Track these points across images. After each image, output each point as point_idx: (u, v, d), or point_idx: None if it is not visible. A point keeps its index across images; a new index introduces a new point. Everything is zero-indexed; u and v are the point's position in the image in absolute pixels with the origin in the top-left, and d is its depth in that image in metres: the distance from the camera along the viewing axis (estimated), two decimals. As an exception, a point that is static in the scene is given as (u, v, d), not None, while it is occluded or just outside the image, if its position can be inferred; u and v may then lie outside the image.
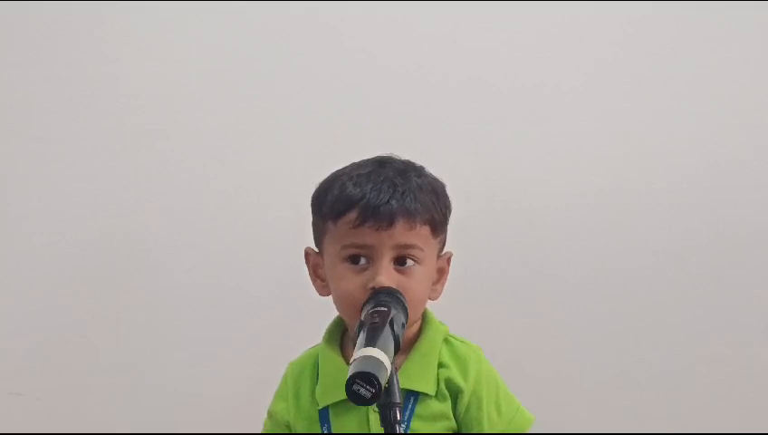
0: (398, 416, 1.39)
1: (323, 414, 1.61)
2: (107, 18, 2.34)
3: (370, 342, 1.37)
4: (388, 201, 1.55)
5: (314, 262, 1.65)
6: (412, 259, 1.56)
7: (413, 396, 1.57)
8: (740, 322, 2.32)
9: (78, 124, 2.33)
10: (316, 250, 1.65)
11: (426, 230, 1.58)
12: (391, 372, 1.36)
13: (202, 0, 2.33)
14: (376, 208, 1.54)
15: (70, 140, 2.32)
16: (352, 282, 1.55)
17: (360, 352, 1.35)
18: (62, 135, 2.32)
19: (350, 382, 1.31)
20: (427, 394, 1.58)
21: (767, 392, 2.31)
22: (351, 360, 1.35)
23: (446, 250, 1.66)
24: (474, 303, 2.23)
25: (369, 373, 1.31)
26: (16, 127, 2.33)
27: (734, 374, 2.31)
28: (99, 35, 2.35)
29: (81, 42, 2.34)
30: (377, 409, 1.38)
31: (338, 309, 1.61)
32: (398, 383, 1.39)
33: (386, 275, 1.53)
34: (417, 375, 1.58)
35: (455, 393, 1.59)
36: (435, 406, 1.58)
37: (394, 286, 1.52)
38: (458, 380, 1.59)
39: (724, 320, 2.31)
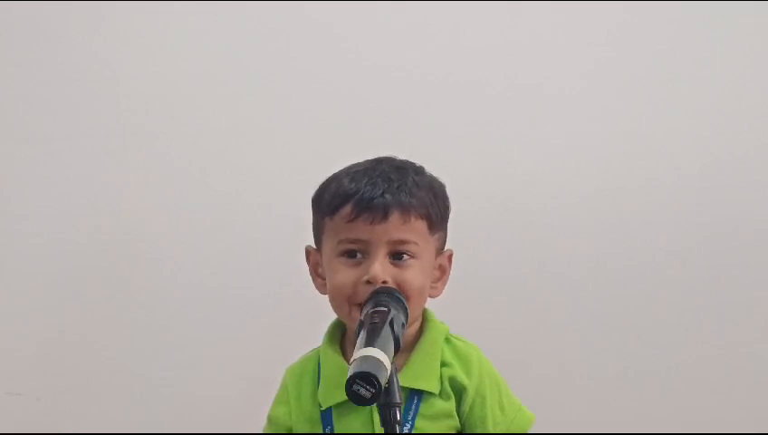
0: (398, 416, 1.38)
1: (326, 415, 1.60)
2: (107, 18, 2.34)
3: (370, 342, 1.37)
4: (382, 194, 1.55)
5: (314, 260, 1.66)
6: (408, 254, 1.56)
7: (417, 395, 1.57)
8: (740, 322, 2.32)
9: (78, 124, 2.33)
10: (316, 248, 1.66)
11: (422, 225, 1.58)
12: (391, 371, 1.36)
13: (202, 0, 2.33)
14: (370, 201, 1.55)
15: (70, 140, 2.32)
16: (347, 275, 1.56)
17: (360, 352, 1.35)
18: (62, 135, 2.32)
19: (350, 383, 1.31)
20: (431, 393, 1.58)
21: (767, 392, 2.31)
22: (351, 360, 1.35)
23: (446, 248, 1.66)
24: (474, 303, 2.23)
25: (368, 373, 1.31)
26: (16, 127, 2.33)
27: (733, 374, 2.31)
28: (99, 35, 2.35)
29: (81, 42, 2.34)
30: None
31: (331, 304, 1.61)
32: (398, 383, 1.39)
33: (380, 268, 1.53)
34: (421, 374, 1.58)
35: (459, 391, 1.59)
36: (439, 405, 1.58)
37: (389, 280, 1.53)
38: (462, 378, 1.59)
39: (724, 320, 2.31)
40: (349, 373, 1.32)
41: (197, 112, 2.34)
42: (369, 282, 1.53)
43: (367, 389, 1.30)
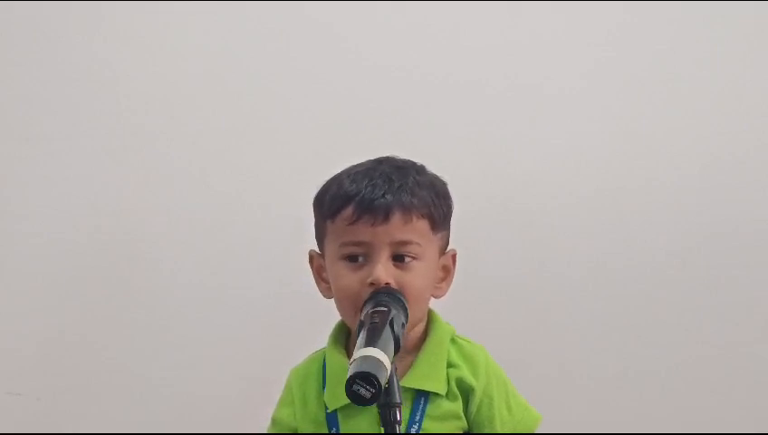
0: (398, 416, 1.39)
1: (331, 417, 1.60)
2: (107, 18, 2.34)
3: (370, 342, 1.37)
4: (383, 196, 1.55)
5: (318, 264, 1.65)
6: (410, 256, 1.56)
7: (424, 396, 1.57)
8: (740, 322, 2.32)
9: (78, 124, 2.33)
10: (319, 252, 1.65)
11: (424, 225, 1.57)
12: (391, 371, 1.36)
13: (202, 0, 2.33)
14: (371, 203, 1.54)
15: (70, 140, 2.32)
16: (350, 279, 1.55)
17: (360, 352, 1.35)
18: (63, 135, 2.32)
19: (350, 382, 1.31)
20: (437, 394, 1.57)
21: (767, 392, 2.31)
22: (351, 360, 1.35)
23: (449, 248, 1.65)
24: (474, 303, 2.22)
25: (368, 373, 1.31)
26: (16, 127, 2.33)
27: (733, 374, 2.31)
28: (99, 35, 2.35)
29: (81, 42, 2.34)
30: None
31: (338, 308, 1.61)
32: (398, 383, 1.39)
33: (383, 271, 1.52)
34: (428, 375, 1.58)
35: (466, 392, 1.59)
36: (446, 406, 1.58)
37: (392, 282, 1.52)
38: (470, 379, 1.59)
39: (724, 320, 2.31)
40: (348, 373, 1.32)
41: (197, 112, 2.34)
42: (372, 284, 1.52)
43: (367, 389, 1.30)
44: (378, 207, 1.54)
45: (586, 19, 2.35)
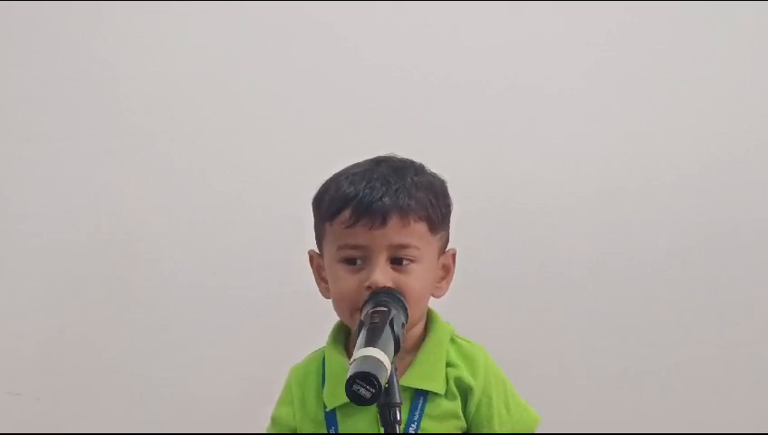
0: (398, 416, 1.39)
1: (330, 416, 1.60)
2: (107, 18, 2.34)
3: (370, 342, 1.37)
4: (380, 198, 1.54)
5: (317, 264, 1.65)
6: (408, 259, 1.55)
7: (423, 395, 1.57)
8: (740, 322, 2.32)
9: (78, 124, 2.33)
10: (319, 252, 1.65)
11: (422, 227, 1.57)
12: (391, 371, 1.36)
13: (202, 0, 2.33)
14: (369, 206, 1.53)
15: (70, 140, 2.32)
16: (349, 282, 1.55)
17: (360, 352, 1.35)
18: (63, 135, 2.32)
19: (350, 382, 1.31)
20: (436, 393, 1.57)
21: (767, 392, 2.31)
22: (351, 360, 1.35)
23: (449, 247, 1.65)
24: (474, 303, 2.22)
25: (368, 373, 1.31)
26: (16, 127, 2.33)
27: (733, 374, 2.31)
28: (99, 35, 2.35)
29: (81, 42, 2.34)
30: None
31: (336, 310, 1.61)
32: (398, 383, 1.39)
33: (381, 275, 1.52)
34: (427, 374, 1.58)
35: (465, 392, 1.59)
36: (444, 405, 1.58)
37: (391, 285, 1.52)
38: (468, 379, 1.59)
39: (724, 320, 2.31)
40: (348, 373, 1.32)
41: (197, 112, 2.34)
42: (369, 288, 1.52)
43: (367, 389, 1.31)
44: (375, 210, 1.53)
45: (586, 19, 2.35)
